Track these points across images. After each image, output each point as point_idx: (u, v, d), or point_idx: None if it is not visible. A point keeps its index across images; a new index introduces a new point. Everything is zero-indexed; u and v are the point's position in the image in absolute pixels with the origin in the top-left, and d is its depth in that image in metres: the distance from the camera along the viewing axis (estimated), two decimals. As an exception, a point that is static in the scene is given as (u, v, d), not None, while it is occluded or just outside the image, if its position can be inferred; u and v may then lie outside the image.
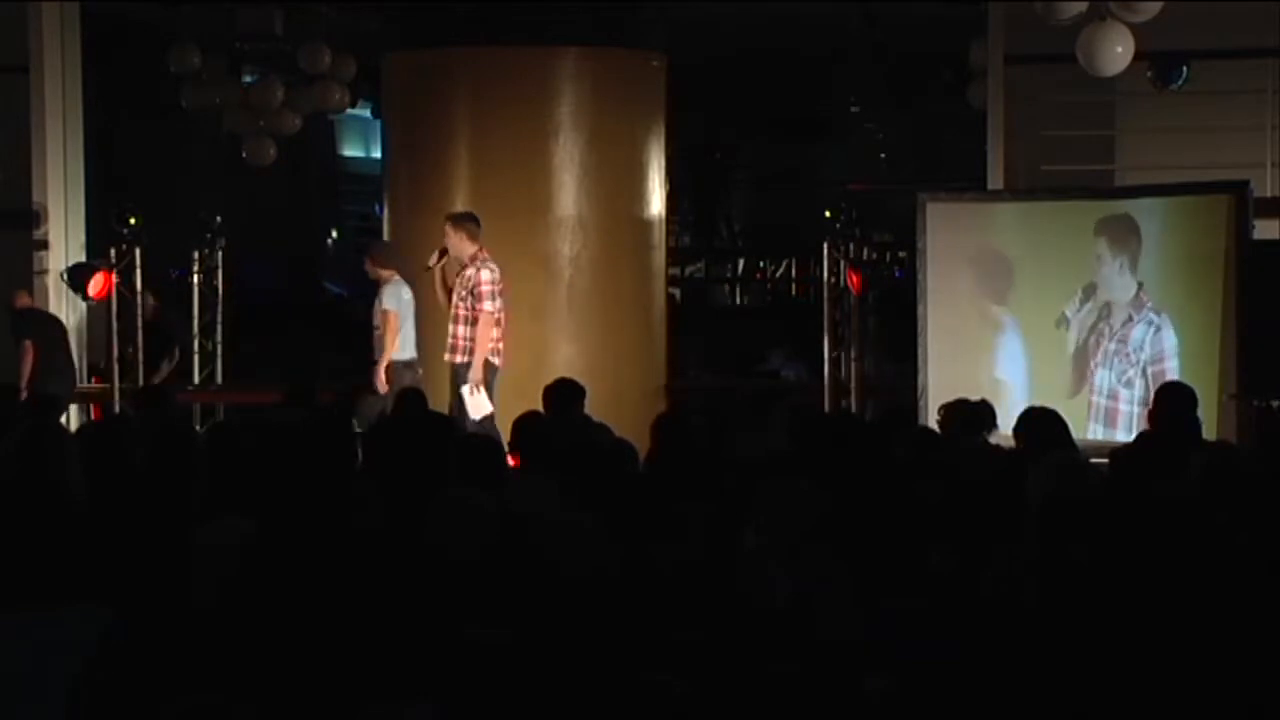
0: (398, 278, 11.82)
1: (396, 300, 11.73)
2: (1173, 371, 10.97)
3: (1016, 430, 7.95)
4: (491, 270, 11.15)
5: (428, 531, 5.34)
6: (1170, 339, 11.14)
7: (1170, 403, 8.35)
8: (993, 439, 8.31)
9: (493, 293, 11.10)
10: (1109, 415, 11.25)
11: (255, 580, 4.64)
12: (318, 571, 4.56)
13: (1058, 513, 5.79)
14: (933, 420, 11.18)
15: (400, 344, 11.74)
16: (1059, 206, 11.84)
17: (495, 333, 11.21)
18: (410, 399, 9.67)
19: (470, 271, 11.14)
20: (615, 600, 4.29)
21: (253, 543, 4.84)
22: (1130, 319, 11.29)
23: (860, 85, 21.60)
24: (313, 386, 10.71)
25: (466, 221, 11.36)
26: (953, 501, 6.47)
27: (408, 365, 11.75)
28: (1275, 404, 10.85)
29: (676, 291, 19.68)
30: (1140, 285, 11.27)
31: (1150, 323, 11.22)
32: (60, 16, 13.91)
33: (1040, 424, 7.94)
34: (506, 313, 11.26)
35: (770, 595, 5.07)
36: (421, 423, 9.26)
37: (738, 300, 24.63)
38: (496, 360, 11.22)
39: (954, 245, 11.91)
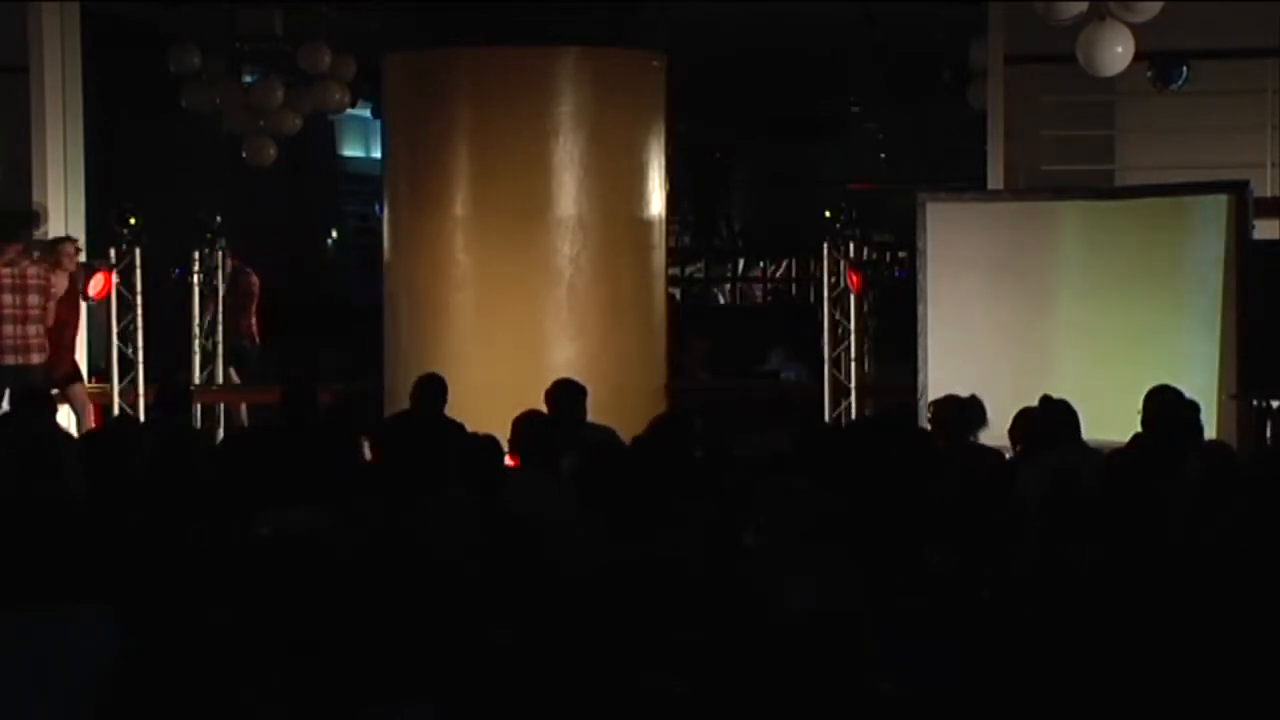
0: None
1: None
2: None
3: (1012, 430, 7.97)
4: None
5: (420, 533, 5.34)
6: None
7: (1159, 405, 8.34)
8: (984, 437, 8.30)
9: None
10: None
11: (259, 581, 4.64)
12: (320, 571, 4.56)
13: (1048, 514, 5.79)
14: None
15: None
16: (1059, 206, 11.84)
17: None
18: (429, 388, 9.65)
19: None
20: (615, 600, 4.29)
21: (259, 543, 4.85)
22: None
23: (860, 85, 21.59)
24: (312, 386, 10.70)
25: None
26: (950, 502, 6.47)
27: None
28: (1275, 404, 10.86)
29: (676, 291, 19.67)
30: None
31: None
32: (60, 16, 13.89)
33: (1037, 423, 7.96)
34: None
35: (770, 595, 5.07)
36: (422, 422, 9.28)
37: (738, 300, 24.61)
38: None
39: (954, 245, 11.92)
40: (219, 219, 14.95)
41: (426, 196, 12.61)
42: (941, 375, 11.70)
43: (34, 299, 12.62)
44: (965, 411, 8.33)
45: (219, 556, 5.13)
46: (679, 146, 14.23)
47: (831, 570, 5.29)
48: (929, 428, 8.69)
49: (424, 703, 4.06)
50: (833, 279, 13.04)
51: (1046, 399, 8.57)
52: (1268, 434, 10.86)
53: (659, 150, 12.87)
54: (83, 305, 13.19)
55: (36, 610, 4.60)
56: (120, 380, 13.12)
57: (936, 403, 8.65)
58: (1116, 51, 11.41)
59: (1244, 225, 11.04)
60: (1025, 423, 8.08)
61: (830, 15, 16.24)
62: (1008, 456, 8.22)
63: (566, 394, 9.29)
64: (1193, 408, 8.50)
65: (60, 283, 12.83)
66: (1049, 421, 8.09)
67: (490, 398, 11.41)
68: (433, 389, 9.63)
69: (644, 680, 4.08)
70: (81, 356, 14.04)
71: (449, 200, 12.50)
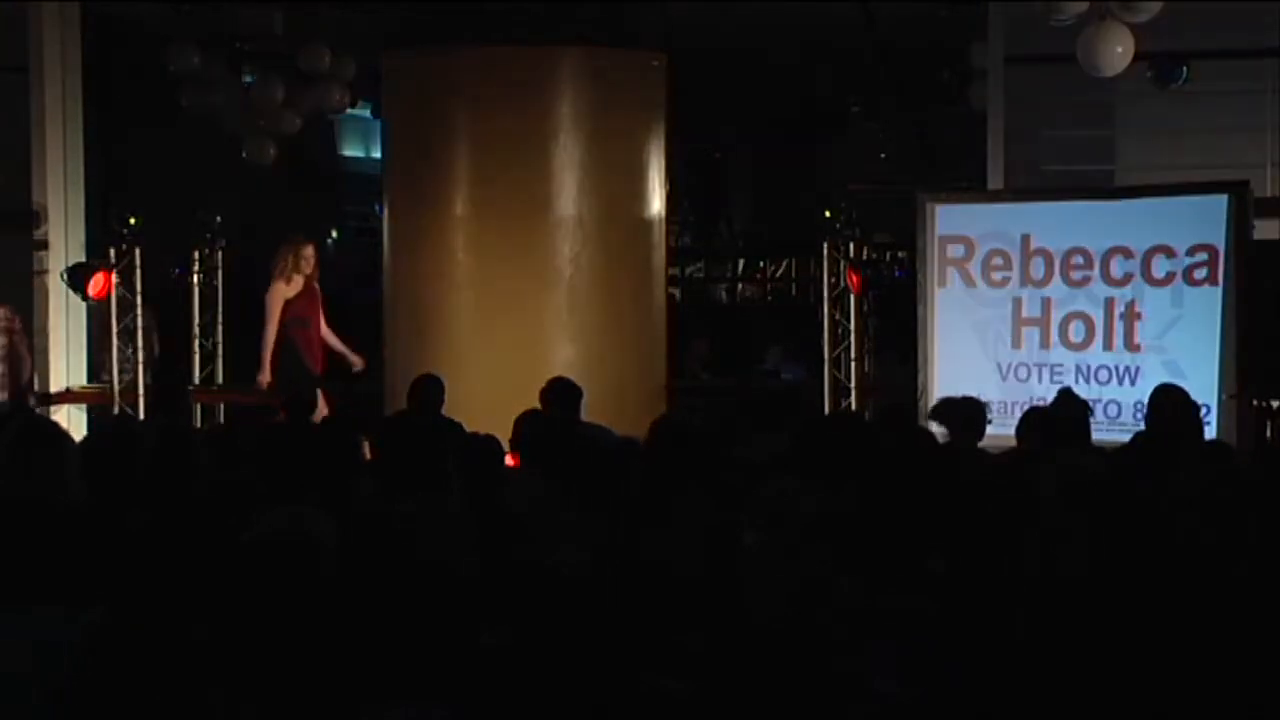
0: None
1: None
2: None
3: (1019, 431, 7.96)
4: None
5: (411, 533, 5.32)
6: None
7: (1164, 404, 8.34)
8: (986, 437, 8.33)
9: None
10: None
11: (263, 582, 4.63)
12: (309, 572, 4.55)
13: (1052, 514, 5.79)
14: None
15: None
16: (1059, 206, 11.84)
17: None
18: (427, 389, 9.64)
19: None
20: (615, 602, 4.29)
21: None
22: None
23: (860, 85, 21.59)
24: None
25: None
26: (953, 503, 6.47)
27: None
28: (1275, 404, 10.86)
29: (676, 291, 19.67)
30: None
31: None
32: (60, 16, 13.91)
33: (1043, 424, 7.95)
34: None
35: (771, 596, 5.07)
36: (421, 423, 9.27)
37: (738, 300, 24.60)
38: None
39: (954, 245, 11.91)
40: (219, 219, 14.94)
41: (426, 196, 12.61)
42: (941, 375, 11.71)
43: None
44: (968, 414, 8.34)
45: (214, 557, 5.12)
46: (679, 146, 14.22)
47: (829, 570, 5.28)
48: (929, 428, 8.70)
49: (425, 704, 4.06)
50: (833, 279, 13.04)
51: (1066, 392, 8.60)
52: (1268, 434, 10.87)
53: (659, 150, 12.86)
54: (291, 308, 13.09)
55: (37, 610, 4.60)
56: (120, 380, 13.11)
57: (938, 404, 8.68)
58: (1116, 51, 11.41)
59: (1244, 225, 11.04)
60: (1034, 422, 8.09)
61: (831, 15, 16.23)
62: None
63: (560, 393, 9.29)
64: (1197, 408, 8.51)
65: (295, 284, 12.88)
66: (1058, 420, 8.10)
67: (490, 398, 11.43)
68: (430, 389, 9.64)
69: (643, 681, 4.08)
70: (81, 357, 14.06)
71: (449, 200, 12.50)
